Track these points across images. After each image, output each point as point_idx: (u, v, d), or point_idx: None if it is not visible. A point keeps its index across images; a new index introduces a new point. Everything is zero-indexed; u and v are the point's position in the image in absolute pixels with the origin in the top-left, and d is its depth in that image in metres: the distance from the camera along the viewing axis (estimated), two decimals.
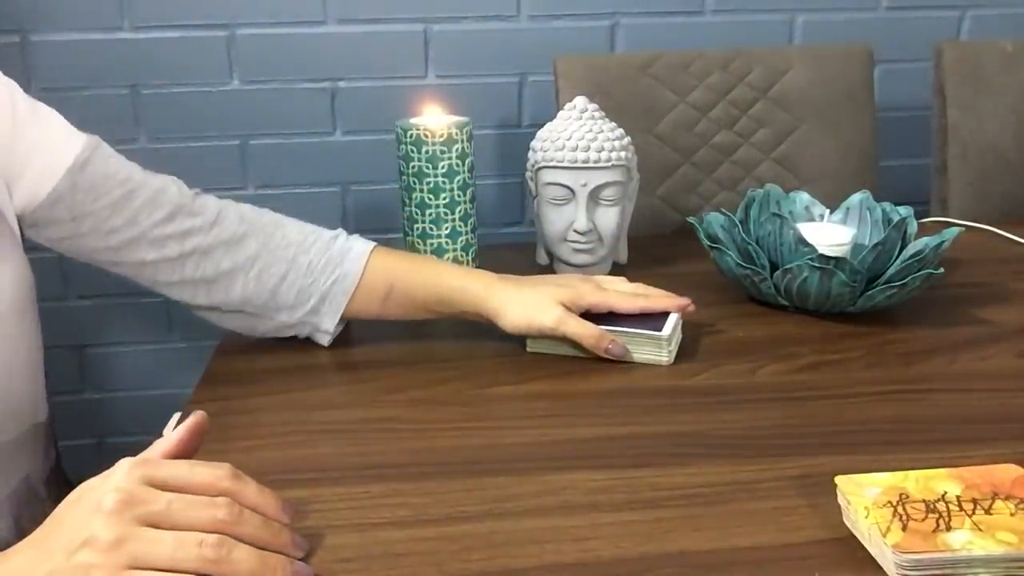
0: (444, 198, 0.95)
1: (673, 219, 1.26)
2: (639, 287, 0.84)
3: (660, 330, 0.78)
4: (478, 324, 0.82)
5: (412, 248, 0.98)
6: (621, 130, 0.97)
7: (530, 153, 0.98)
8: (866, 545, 0.52)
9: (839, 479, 0.55)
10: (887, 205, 0.96)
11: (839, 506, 0.55)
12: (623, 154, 0.95)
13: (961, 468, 0.56)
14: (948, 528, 0.50)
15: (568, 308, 0.78)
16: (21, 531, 0.66)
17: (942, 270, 0.83)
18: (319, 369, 0.81)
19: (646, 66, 1.25)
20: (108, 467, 0.50)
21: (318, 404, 0.74)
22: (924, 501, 0.53)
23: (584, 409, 0.72)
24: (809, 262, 0.82)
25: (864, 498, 0.53)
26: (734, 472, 0.62)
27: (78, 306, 1.44)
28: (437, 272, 0.83)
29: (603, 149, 0.93)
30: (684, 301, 0.82)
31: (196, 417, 0.55)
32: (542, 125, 0.99)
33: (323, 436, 0.69)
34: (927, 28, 1.45)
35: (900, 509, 0.52)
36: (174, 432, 0.54)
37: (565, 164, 0.93)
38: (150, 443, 0.54)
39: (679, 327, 0.82)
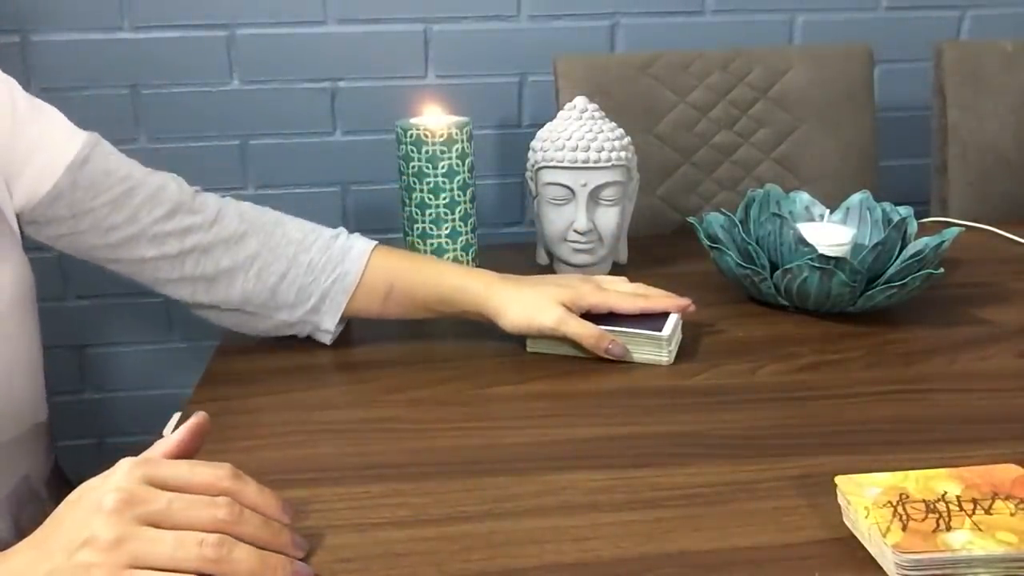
0: (444, 198, 0.95)
1: (673, 219, 1.26)
2: (639, 287, 0.84)
3: (660, 330, 0.78)
4: (478, 324, 0.82)
5: (412, 248, 0.98)
6: (621, 130, 0.97)
7: (530, 153, 0.98)
8: (866, 545, 0.52)
9: (839, 479, 0.55)
10: (887, 205, 0.96)
11: (839, 506, 0.55)
12: (623, 154, 0.95)
13: (961, 468, 0.56)
14: (948, 528, 0.50)
15: (568, 308, 0.78)
16: (20, 531, 0.66)
17: (942, 270, 0.83)
18: (319, 369, 0.81)
19: (646, 66, 1.25)
20: (108, 467, 0.50)
21: (318, 404, 0.74)
22: (924, 501, 0.53)
23: (584, 409, 0.72)
24: (809, 262, 0.82)
25: (864, 498, 0.53)
26: (734, 472, 0.62)
27: (77, 306, 1.44)
28: (438, 271, 0.83)
29: (603, 149, 0.93)
30: (684, 301, 0.82)
31: (197, 418, 0.55)
32: (542, 125, 0.99)
33: (323, 436, 0.69)
34: (927, 28, 1.45)
35: (900, 509, 0.52)
36: (175, 433, 0.54)
37: (565, 164, 0.93)
38: (150, 443, 0.54)
39: (679, 327, 0.82)
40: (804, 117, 1.27)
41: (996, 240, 1.12)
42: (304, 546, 0.53)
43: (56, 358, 1.45)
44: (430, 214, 0.96)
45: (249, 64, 1.35)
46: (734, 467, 0.62)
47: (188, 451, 0.54)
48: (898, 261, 0.88)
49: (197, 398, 0.75)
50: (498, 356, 0.82)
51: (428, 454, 0.65)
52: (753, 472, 0.62)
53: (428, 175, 0.94)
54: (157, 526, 0.47)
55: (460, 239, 0.98)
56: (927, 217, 1.26)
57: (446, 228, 0.97)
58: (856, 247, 0.92)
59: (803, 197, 1.00)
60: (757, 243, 0.91)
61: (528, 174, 0.99)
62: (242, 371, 0.80)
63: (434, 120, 0.96)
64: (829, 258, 0.82)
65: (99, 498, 0.47)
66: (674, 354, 0.80)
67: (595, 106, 0.97)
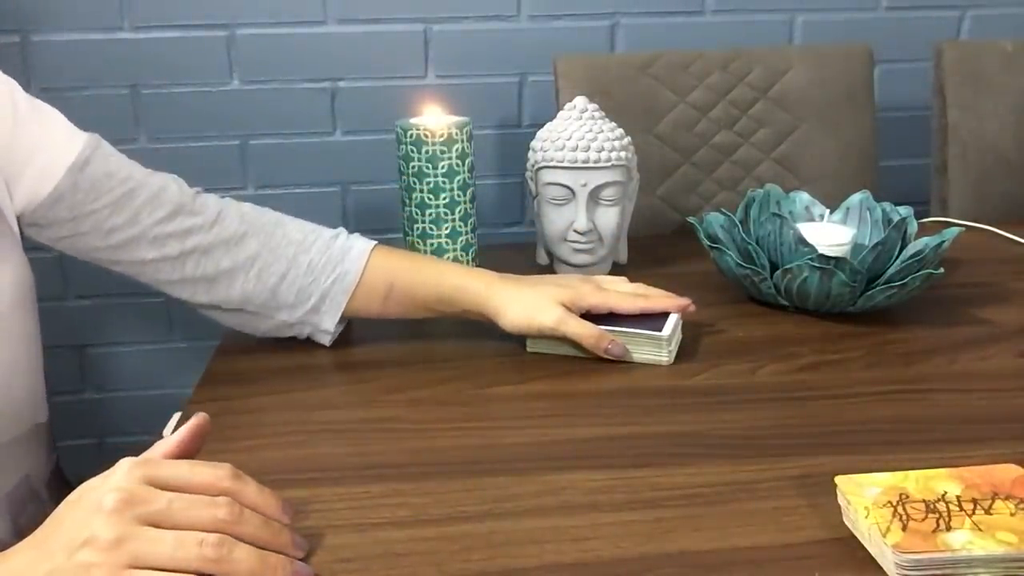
0: (444, 198, 0.95)
1: (673, 219, 1.26)
2: (639, 287, 0.84)
3: (660, 330, 0.78)
4: (478, 324, 0.82)
5: (412, 248, 0.98)
6: (621, 130, 0.97)
7: (530, 153, 0.98)
8: (866, 545, 0.52)
9: (839, 479, 0.55)
10: (887, 205, 0.96)
11: (839, 506, 0.55)
12: (623, 154, 0.95)
13: (961, 468, 0.56)
14: (948, 528, 0.50)
15: (568, 308, 0.78)
16: (20, 531, 0.66)
17: (942, 270, 0.83)
18: (319, 369, 0.81)
19: (646, 66, 1.25)
20: (108, 467, 0.50)
21: (318, 404, 0.74)
22: (924, 501, 0.53)
23: (584, 409, 0.72)
24: (809, 262, 0.82)
25: (864, 498, 0.53)
26: (734, 472, 0.62)
27: (78, 306, 1.44)
28: (438, 271, 0.83)
29: (603, 149, 0.93)
30: (684, 301, 0.82)
31: (198, 419, 0.55)
32: (542, 125, 0.99)
33: (323, 436, 0.69)
34: (927, 28, 1.45)
35: (900, 509, 0.52)
36: (175, 433, 0.54)
37: (565, 164, 0.93)
38: (150, 443, 0.54)
39: (679, 327, 0.82)
40: (804, 117, 1.27)
41: (996, 240, 1.12)
42: (304, 546, 0.53)
43: (56, 358, 1.45)
44: (430, 214, 0.96)
45: (249, 64, 1.35)
46: (734, 467, 0.62)
47: (188, 451, 0.54)
48: (898, 261, 0.88)
49: (197, 398, 0.75)
50: (498, 356, 0.82)
51: (428, 454, 0.65)
52: (753, 472, 0.62)
53: (428, 175, 0.94)
54: (157, 526, 0.47)
55: (460, 239, 0.98)
56: (927, 217, 1.26)
57: (446, 228, 0.97)
58: (856, 247, 0.92)
59: (803, 197, 1.00)
60: (757, 243, 0.91)
61: (528, 174, 0.99)
62: (242, 371, 0.80)
63: (434, 120, 0.96)
64: (829, 258, 0.82)
65: (99, 498, 0.47)
66: (674, 354, 0.80)
67: (595, 106, 0.97)
